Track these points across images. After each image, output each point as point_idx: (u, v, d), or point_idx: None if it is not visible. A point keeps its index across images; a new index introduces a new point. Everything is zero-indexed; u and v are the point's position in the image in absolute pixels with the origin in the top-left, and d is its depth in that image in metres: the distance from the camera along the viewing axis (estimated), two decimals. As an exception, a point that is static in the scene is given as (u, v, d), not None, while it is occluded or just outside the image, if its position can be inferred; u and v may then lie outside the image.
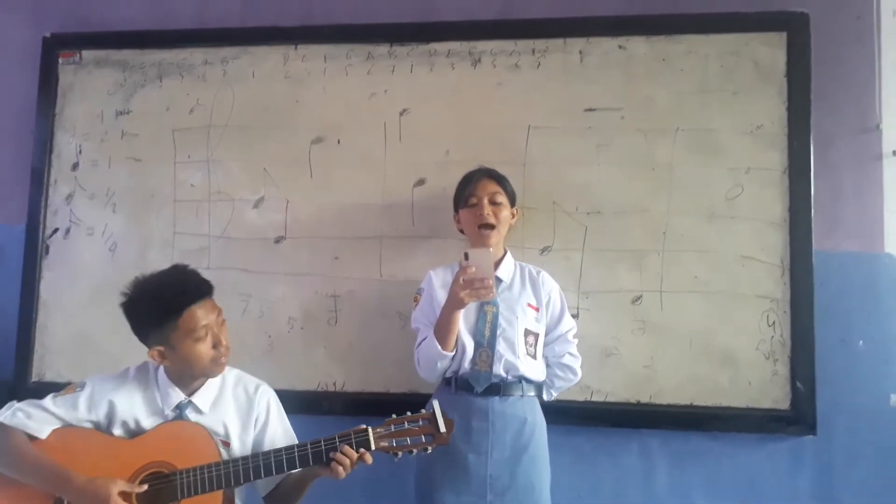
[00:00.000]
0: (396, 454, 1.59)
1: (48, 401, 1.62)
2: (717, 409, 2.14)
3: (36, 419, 1.59)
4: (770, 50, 2.20)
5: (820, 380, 2.10)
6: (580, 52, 2.27)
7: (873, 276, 2.18)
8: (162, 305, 1.60)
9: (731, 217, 2.17)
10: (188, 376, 1.68)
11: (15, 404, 1.61)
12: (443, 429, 1.60)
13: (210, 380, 1.71)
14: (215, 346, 1.64)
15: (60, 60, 2.52)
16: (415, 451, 1.59)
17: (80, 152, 2.47)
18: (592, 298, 2.20)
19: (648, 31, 2.24)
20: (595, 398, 2.18)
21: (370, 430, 1.58)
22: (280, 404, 1.79)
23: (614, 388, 2.18)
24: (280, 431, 1.75)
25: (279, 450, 1.60)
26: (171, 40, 2.47)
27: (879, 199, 2.20)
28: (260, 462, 1.58)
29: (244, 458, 1.59)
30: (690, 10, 2.25)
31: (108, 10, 2.58)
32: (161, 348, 1.62)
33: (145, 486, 1.56)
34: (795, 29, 2.19)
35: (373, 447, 1.57)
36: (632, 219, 2.20)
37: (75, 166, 2.47)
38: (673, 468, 2.19)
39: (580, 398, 2.16)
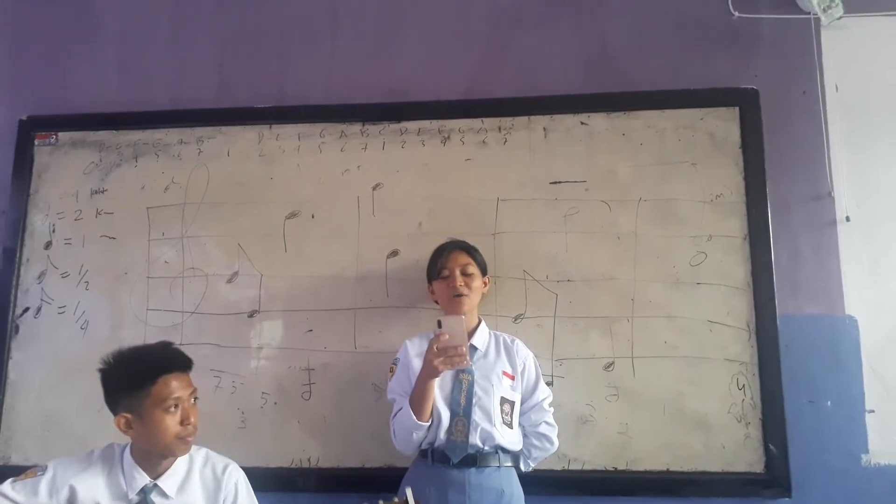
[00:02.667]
0: None
1: (6, 486, 1.57)
2: (693, 474, 2.14)
3: None
4: (724, 123, 2.32)
5: (791, 441, 2.13)
6: (544, 129, 2.37)
7: (836, 338, 2.24)
8: (139, 370, 1.60)
9: (696, 283, 2.24)
10: (154, 455, 1.64)
11: None
12: None
13: (177, 461, 1.67)
14: (183, 422, 1.60)
15: (36, 142, 2.56)
16: None
17: (54, 231, 2.48)
18: (566, 365, 2.22)
19: (608, 108, 2.35)
20: (573, 466, 2.17)
21: None
22: (249, 485, 1.76)
23: (591, 456, 2.17)
24: None
25: None
26: (147, 121, 2.53)
27: (836, 262, 2.28)
28: None
29: None
30: (647, 87, 2.37)
31: (85, 93, 2.64)
32: (128, 416, 1.59)
33: None
34: (746, 104, 2.31)
35: None
36: (601, 286, 2.26)
37: (48, 245, 2.48)
38: (652, 537, 2.17)
39: (557, 467, 2.15)
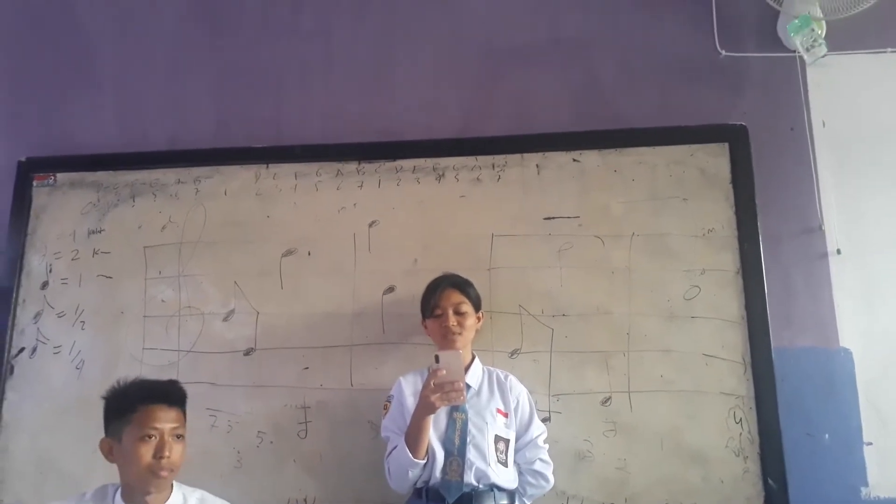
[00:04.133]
0: None
1: None
2: (692, 509, 2.13)
3: None
4: (714, 159, 2.35)
5: (790, 475, 2.11)
6: (537, 166, 2.40)
7: (832, 370, 2.24)
8: (127, 397, 1.65)
9: (690, 317, 2.24)
10: (137, 492, 1.62)
11: None
12: None
13: (170, 501, 1.65)
14: (157, 454, 1.60)
15: (35, 183, 2.58)
16: None
17: (51, 271, 2.49)
18: (563, 401, 2.22)
19: (600, 145, 2.39)
20: (571, 503, 2.15)
21: None
22: None
23: (589, 493, 2.16)
24: None
25: None
26: (144, 161, 2.56)
27: (829, 295, 2.30)
28: None
29: None
30: (637, 124, 2.42)
31: (83, 134, 2.68)
32: (111, 441, 1.63)
33: None
34: (736, 140, 2.35)
35: None
36: (596, 320, 2.26)
37: (45, 285, 2.49)
38: (652, 576, 2.15)
39: (556, 504, 2.14)
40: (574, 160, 2.39)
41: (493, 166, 2.41)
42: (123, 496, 1.64)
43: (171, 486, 1.68)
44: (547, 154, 2.40)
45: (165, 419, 1.63)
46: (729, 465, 2.14)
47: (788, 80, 2.45)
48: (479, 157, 2.41)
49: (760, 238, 2.27)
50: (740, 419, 2.17)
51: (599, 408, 2.21)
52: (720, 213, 2.31)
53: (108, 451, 1.65)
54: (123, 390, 1.68)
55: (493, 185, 2.40)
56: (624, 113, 2.47)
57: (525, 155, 2.40)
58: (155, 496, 1.63)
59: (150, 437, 1.60)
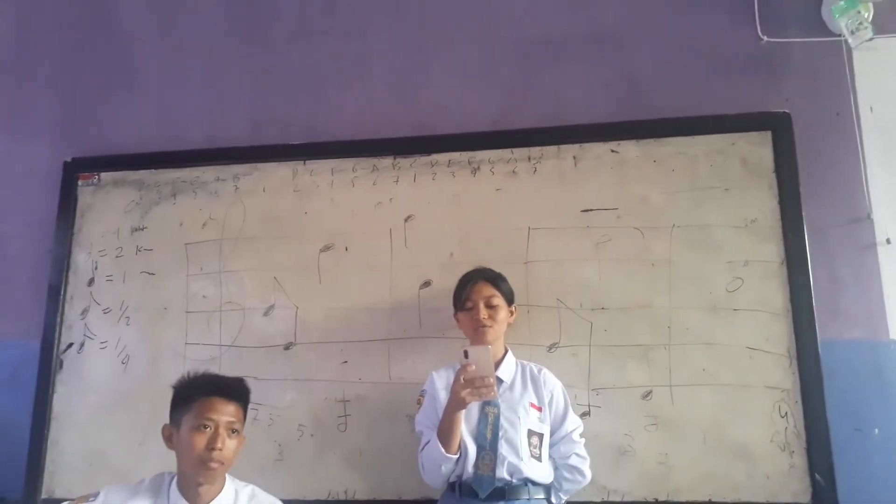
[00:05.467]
0: None
1: None
2: (736, 505, 2.09)
3: None
4: (756, 148, 2.30)
5: (839, 470, 2.06)
6: (574, 158, 2.37)
7: (881, 364, 2.18)
8: (192, 386, 1.70)
9: (733, 309, 2.20)
10: (192, 482, 1.65)
11: None
12: None
13: (222, 495, 1.69)
14: (210, 445, 1.63)
15: (80, 182, 2.65)
16: None
17: (96, 268, 2.55)
18: (603, 395, 2.20)
19: (638, 136, 2.35)
20: (612, 498, 2.13)
21: None
22: None
23: (631, 487, 2.13)
24: None
25: None
26: (184, 160, 2.60)
27: (878, 286, 2.24)
28: None
29: None
30: (676, 114, 2.37)
31: (126, 134, 2.74)
32: (171, 428, 1.69)
33: None
34: (779, 128, 2.29)
35: None
36: (636, 314, 2.23)
37: (91, 282, 2.55)
38: (696, 571, 2.12)
39: (596, 499, 2.12)
40: (612, 151, 2.36)
41: (529, 159, 2.39)
42: (179, 485, 1.68)
43: (225, 479, 1.71)
44: (584, 145, 2.37)
45: (223, 412, 1.67)
46: (774, 461, 2.10)
47: (833, 65, 2.38)
48: (515, 150, 2.40)
49: (805, 228, 2.21)
50: (786, 413, 2.12)
51: (640, 402, 2.18)
52: (763, 203, 2.26)
53: (168, 438, 1.71)
54: (189, 381, 1.74)
55: (530, 177, 2.38)
56: (663, 103, 2.42)
57: (562, 146, 2.38)
58: (207, 488, 1.67)
59: (205, 427, 1.64)
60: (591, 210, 2.32)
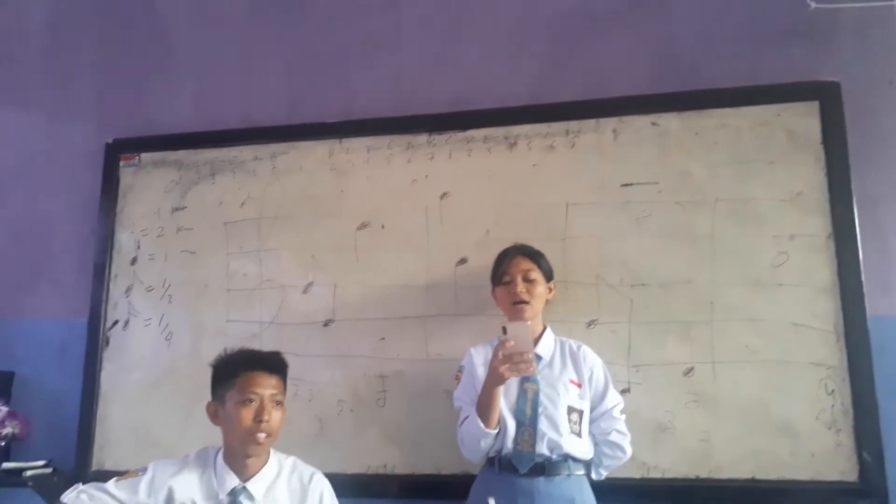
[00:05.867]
0: None
1: (111, 484, 1.68)
2: (780, 482, 2.05)
3: (97, 501, 1.64)
4: (803, 119, 2.22)
5: (888, 448, 2.01)
6: (613, 131, 2.33)
7: (934, 340, 2.12)
8: (233, 363, 1.74)
9: (778, 284, 2.15)
10: (238, 455, 1.70)
11: (79, 486, 1.68)
12: None
13: (266, 467, 1.73)
14: (257, 418, 1.66)
15: (121, 163, 2.69)
16: None
17: (139, 247, 2.60)
18: (643, 371, 2.17)
19: (679, 108, 2.29)
20: (652, 475, 2.11)
21: None
22: (333, 495, 1.79)
23: (671, 464, 2.12)
24: None
25: None
26: (223, 139, 2.62)
27: (931, 260, 2.16)
28: None
29: None
30: (719, 85, 2.30)
31: (165, 115, 2.76)
32: (216, 405, 1.73)
33: None
34: (827, 98, 2.21)
35: None
36: (677, 290, 2.20)
37: (134, 261, 2.60)
38: (739, 548, 2.09)
39: (636, 475, 2.11)
40: (653, 124, 2.31)
41: (567, 133, 2.35)
42: (225, 458, 1.73)
43: (269, 452, 1.76)
44: (624, 118, 2.32)
45: (266, 385, 1.70)
46: (820, 439, 2.06)
47: (885, 31, 2.28)
48: (553, 124, 2.36)
49: (854, 201, 2.14)
50: (832, 391, 2.07)
51: (681, 379, 2.15)
52: (810, 175, 2.19)
53: (213, 414, 1.74)
54: (229, 357, 1.77)
55: (568, 152, 2.35)
56: (705, 73, 2.35)
57: (601, 120, 2.34)
58: (254, 460, 1.71)
59: (250, 401, 1.68)
60: (631, 185, 2.28)
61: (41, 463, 2.43)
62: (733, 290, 2.17)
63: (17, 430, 2.48)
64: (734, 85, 2.29)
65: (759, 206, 2.20)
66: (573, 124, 2.35)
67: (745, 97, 2.26)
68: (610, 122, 2.33)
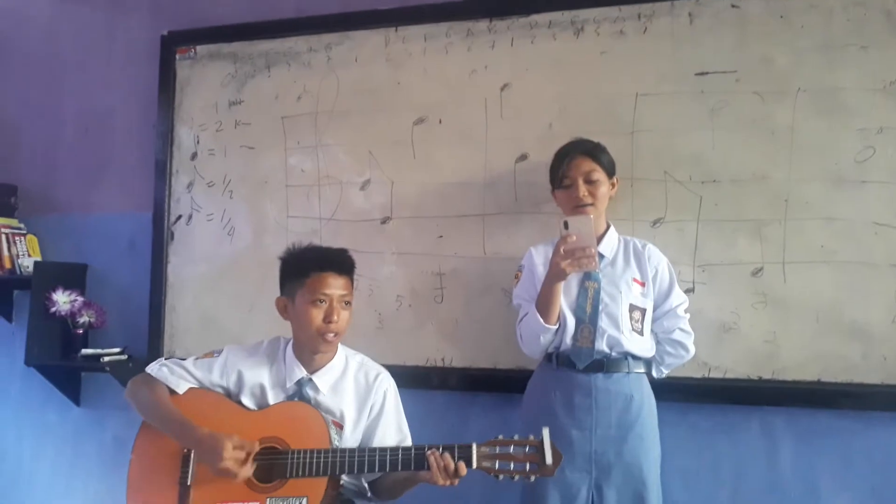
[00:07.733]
0: (498, 476, 1.56)
1: (189, 362, 1.77)
2: (848, 385, 2.00)
3: (176, 375, 1.74)
4: (905, -3, 2.01)
5: (967, 355, 1.93)
6: (689, 14, 2.16)
7: None
8: (302, 262, 1.75)
9: (861, 181, 2.02)
10: (306, 350, 1.75)
11: (161, 360, 1.79)
12: (549, 461, 1.53)
13: (333, 362, 1.78)
14: (327, 319, 1.69)
15: (177, 56, 2.66)
16: (516, 477, 1.55)
17: (198, 142, 2.61)
18: (709, 271, 2.10)
19: (764, -14, 2.10)
20: (713, 374, 2.09)
21: (475, 446, 1.58)
22: (398, 395, 1.83)
23: (733, 365, 2.08)
24: (393, 426, 1.79)
25: (384, 450, 1.64)
26: (276, 30, 2.55)
27: None
28: (365, 458, 1.62)
29: (351, 451, 1.64)
30: (811, -42, 2.09)
31: (217, 6, 2.69)
32: (286, 300, 1.76)
33: (257, 446, 1.62)
34: (937, -29, 1.99)
35: (474, 465, 1.56)
36: (750, 187, 2.09)
37: (194, 156, 2.61)
38: (798, 448, 2.07)
39: (697, 375, 2.08)
40: (732, 6, 2.13)
41: (639, 17, 2.19)
42: (294, 350, 1.78)
43: (337, 347, 1.80)
44: (701, 0, 2.14)
45: (336, 286, 1.72)
46: (894, 343, 1.98)
47: None
48: (623, 7, 2.20)
49: (955, 90, 1.96)
50: (912, 294, 1.97)
51: (749, 279, 2.08)
52: (907, 62, 2.00)
53: (283, 309, 1.78)
54: (300, 254, 1.79)
55: (639, 38, 2.19)
56: (795, -55, 2.13)
57: (675, 2, 2.17)
58: (321, 355, 1.77)
59: (320, 301, 1.71)
60: (707, 73, 2.13)
61: (117, 350, 2.58)
62: (811, 187, 2.05)
63: (92, 319, 2.62)
64: (828, -41, 2.07)
65: (847, 96, 2.04)
66: (646, 7, 2.19)
67: (839, -28, 2.05)
68: (686, 5, 2.16)
